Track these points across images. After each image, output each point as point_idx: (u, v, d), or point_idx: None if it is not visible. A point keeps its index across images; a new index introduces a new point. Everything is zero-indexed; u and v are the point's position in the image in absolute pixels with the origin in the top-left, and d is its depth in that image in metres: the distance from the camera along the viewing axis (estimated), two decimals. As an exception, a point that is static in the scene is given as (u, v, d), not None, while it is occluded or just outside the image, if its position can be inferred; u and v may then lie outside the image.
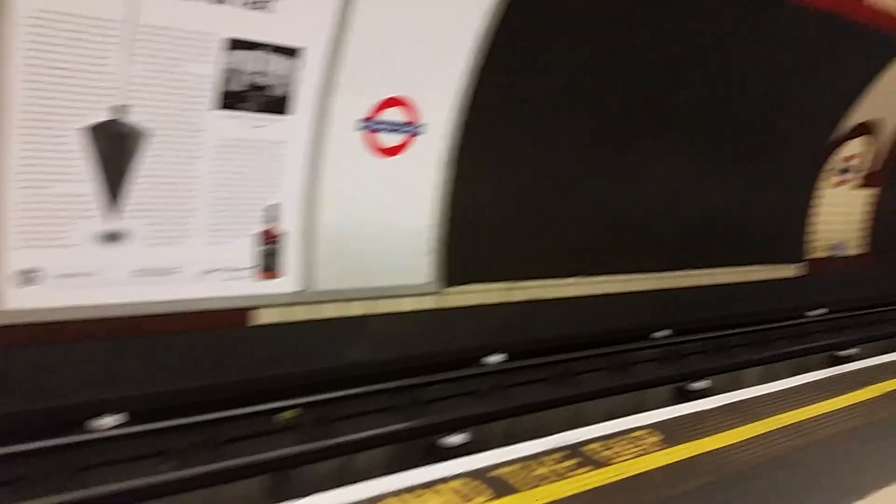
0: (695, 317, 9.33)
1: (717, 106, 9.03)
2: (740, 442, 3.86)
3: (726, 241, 10.22)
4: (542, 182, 7.82)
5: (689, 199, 9.60)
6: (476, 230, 7.39)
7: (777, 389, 4.80)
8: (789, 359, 8.52)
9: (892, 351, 9.54)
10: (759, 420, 4.21)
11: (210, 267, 5.80)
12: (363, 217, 6.61)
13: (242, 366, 6.10)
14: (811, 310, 10.60)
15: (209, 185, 5.58)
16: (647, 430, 3.95)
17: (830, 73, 9.76)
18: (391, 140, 6.48)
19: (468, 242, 7.33)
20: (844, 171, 11.33)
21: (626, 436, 3.87)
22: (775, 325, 9.43)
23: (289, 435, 5.49)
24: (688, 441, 3.84)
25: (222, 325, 6.02)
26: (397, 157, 6.57)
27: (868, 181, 11.79)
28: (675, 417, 4.19)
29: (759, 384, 7.74)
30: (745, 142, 9.84)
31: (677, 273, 9.66)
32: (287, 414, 5.76)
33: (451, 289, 7.32)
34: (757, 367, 8.12)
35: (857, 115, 10.73)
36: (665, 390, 7.19)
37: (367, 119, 6.28)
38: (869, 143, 11.36)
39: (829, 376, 5.12)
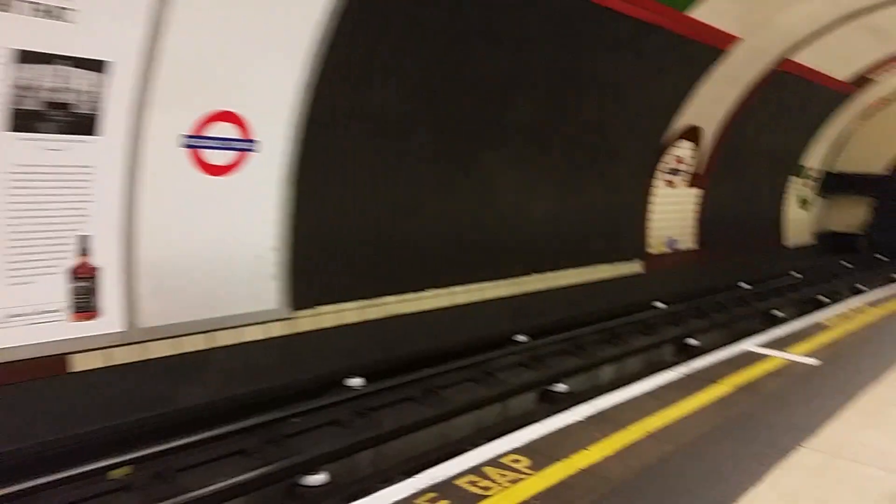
0: (550, 319, 9.48)
1: (556, 116, 9.25)
2: (612, 455, 3.76)
3: (572, 243, 10.53)
4: (388, 197, 7.54)
5: (535, 206, 9.77)
6: (324, 249, 6.95)
7: (638, 394, 4.81)
8: (643, 352, 8.85)
9: (731, 337, 10.36)
10: (625, 428, 4.16)
11: (12, 311, 4.90)
12: (195, 243, 5.94)
13: (59, 420, 5.22)
14: (655, 302, 11.18)
15: (2, 219, 4.70)
16: (518, 454, 3.74)
17: (658, 82, 10.37)
18: (222, 158, 5.87)
19: (316, 263, 6.87)
20: (674, 172, 12.12)
21: (498, 462, 3.63)
22: (624, 319, 9.80)
23: (123, 496, 4.74)
24: (559, 460, 3.68)
25: (32, 376, 5.12)
26: (231, 175, 5.97)
27: (694, 182, 12.71)
28: (543, 436, 4.02)
29: (616, 379, 8.32)
30: (582, 149, 10.19)
31: (530, 278, 9.78)
32: (118, 472, 4.98)
33: (302, 312, 6.81)
34: (613, 364, 8.34)
35: (683, 120, 11.52)
36: (530, 396, 7.15)
37: (192, 135, 5.64)
38: (694, 147, 12.25)
39: (682, 376, 5.24)
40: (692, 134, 12.00)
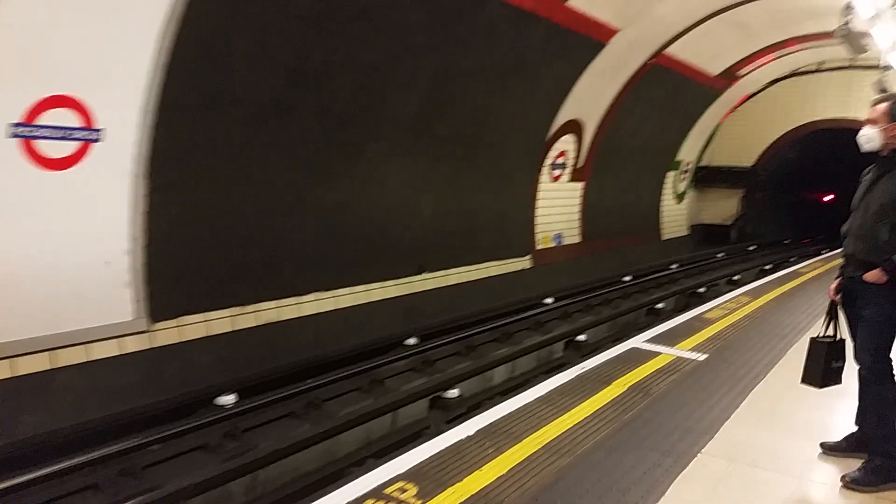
0: (441, 319, 9.16)
1: (440, 107, 8.93)
2: (507, 474, 3.43)
3: (461, 240, 10.28)
4: (263, 191, 6.92)
5: (423, 201, 9.43)
6: (187, 251, 6.24)
7: (532, 400, 4.53)
8: (534, 350, 8.70)
9: (619, 332, 10.50)
10: (520, 441, 3.85)
11: None
12: (32, 249, 5.11)
13: None
14: (543, 298, 11.15)
15: None
16: (404, 481, 3.33)
17: (543, 74, 10.29)
18: (60, 149, 5.08)
19: (179, 267, 6.16)
20: (559, 166, 12.16)
21: (382, 494, 3.20)
22: (515, 317, 9.65)
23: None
24: (450, 485, 3.30)
25: None
26: (72, 169, 5.17)
27: (577, 176, 12.84)
28: (432, 457, 3.63)
29: (509, 380, 8.11)
30: (469, 142, 9.96)
31: (419, 277, 9.42)
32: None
33: (162, 324, 6.08)
34: (505, 364, 8.11)
35: (565, 114, 11.55)
36: (422, 404, 6.77)
37: (22, 124, 4.82)
38: (576, 141, 12.34)
39: (575, 378, 5.03)
40: (574, 128, 12.08)
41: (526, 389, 4.87)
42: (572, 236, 13.14)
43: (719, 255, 17.50)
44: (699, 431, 4.02)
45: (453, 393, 6.92)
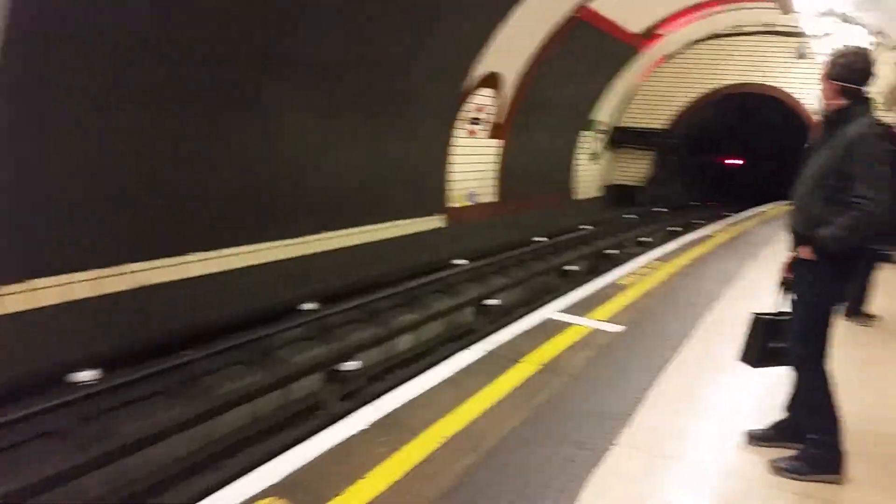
0: (344, 283, 8.52)
1: (346, 56, 8.12)
2: (401, 481, 2.91)
3: (368, 197, 9.60)
4: (136, 138, 6.00)
5: (328, 155, 8.66)
6: (40, 204, 5.29)
7: (435, 383, 4.02)
8: (442, 316, 8.23)
9: (531, 295, 10.21)
10: (418, 436, 3.33)
11: None
12: None
13: None
14: (456, 259, 10.69)
15: None
16: (275, 498, 2.74)
17: (460, 23, 9.59)
18: None
19: (28, 222, 5.20)
20: (475, 121, 11.59)
21: (245, 513, 2.61)
22: (424, 279, 9.14)
23: None
24: (329, 500, 2.75)
25: None
26: None
27: (495, 132, 12.31)
28: (313, 460, 3.06)
29: (413, 348, 7.62)
30: (379, 93, 9.21)
31: (321, 236, 8.70)
32: None
33: (8, 287, 5.15)
34: (411, 332, 7.61)
35: (484, 66, 10.93)
36: (316, 378, 6.17)
37: None
38: (495, 95, 11.78)
39: (484, 354, 4.55)
40: (494, 82, 11.51)
41: (430, 368, 4.37)
42: (489, 195, 12.69)
43: (631, 217, 17.58)
44: (615, 417, 3.63)
45: (352, 364, 6.37)
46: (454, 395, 3.84)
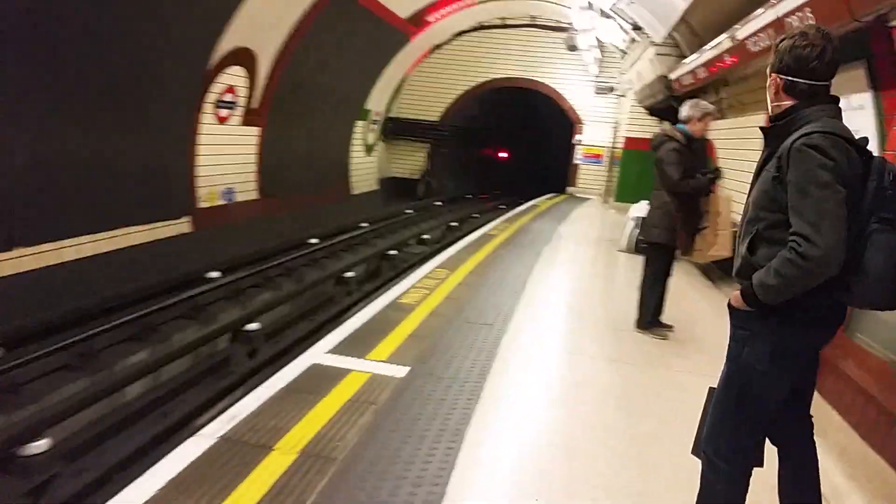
0: (42, 317, 6.36)
1: (62, 28, 6.01)
2: None
3: (81, 198, 7.43)
4: None
5: (16, 146, 6.41)
6: None
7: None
8: (183, 355, 6.46)
9: (300, 314, 8.69)
10: None
11: None
12: None
13: None
14: (209, 272, 8.86)
15: None
16: None
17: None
18: None
19: None
20: (226, 105, 9.77)
21: None
22: (164, 301, 7.26)
23: None
24: None
25: None
26: None
27: (251, 119, 10.58)
28: None
29: (130, 404, 5.57)
30: (100, 67, 7.13)
31: (15, 253, 6.45)
32: None
33: None
34: (134, 380, 5.76)
35: (232, 39, 9.17)
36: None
37: None
38: (248, 76, 10.05)
39: (219, 442, 3.07)
40: (245, 58, 9.79)
41: (127, 479, 2.80)
42: (248, 192, 10.91)
43: (409, 212, 16.80)
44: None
45: (38, 445, 4.45)
46: None
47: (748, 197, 2.19)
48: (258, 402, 3.54)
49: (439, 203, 19.15)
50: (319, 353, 4.34)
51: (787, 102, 2.12)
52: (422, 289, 6.26)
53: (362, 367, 4.12)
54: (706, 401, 2.43)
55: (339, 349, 4.42)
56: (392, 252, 11.71)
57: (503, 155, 26.95)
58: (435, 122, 19.88)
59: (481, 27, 19.08)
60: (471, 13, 16.85)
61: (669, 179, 5.04)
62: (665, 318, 5.44)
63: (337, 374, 3.98)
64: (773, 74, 2.15)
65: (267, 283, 9.09)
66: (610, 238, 10.72)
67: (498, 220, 12.35)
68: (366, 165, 17.23)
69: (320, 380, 3.90)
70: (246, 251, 9.99)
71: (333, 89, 13.54)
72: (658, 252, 5.27)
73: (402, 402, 3.67)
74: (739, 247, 2.12)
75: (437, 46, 18.85)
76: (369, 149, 17.35)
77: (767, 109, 2.22)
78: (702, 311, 6.49)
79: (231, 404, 3.59)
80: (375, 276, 10.96)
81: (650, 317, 5.40)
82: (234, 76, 9.71)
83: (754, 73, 7.19)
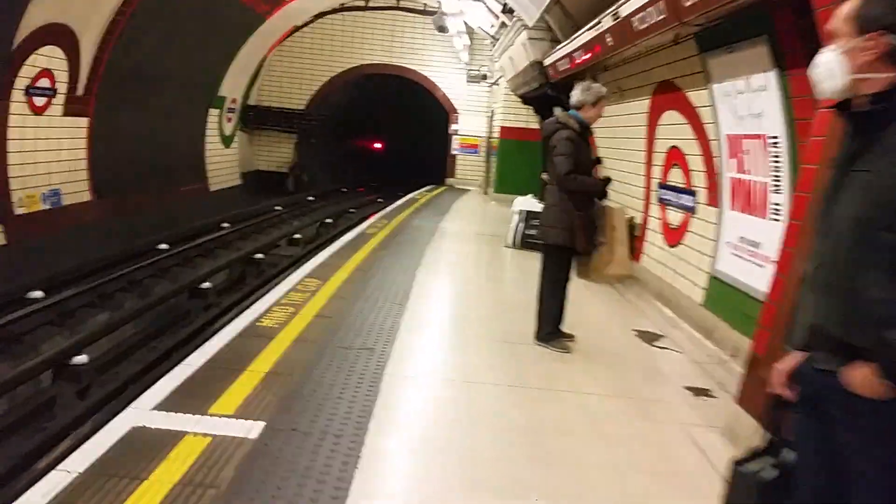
0: None
1: None
2: None
3: None
4: None
5: None
6: None
7: None
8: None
9: (144, 340, 7.32)
10: None
11: None
12: None
13: None
14: (30, 292, 7.35)
15: None
16: None
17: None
18: None
19: None
20: (41, 91, 8.17)
21: None
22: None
23: None
24: None
25: None
26: None
27: (75, 108, 8.96)
28: None
29: None
30: None
31: None
32: None
33: None
34: None
35: (37, 13, 7.61)
36: None
37: None
38: (67, 57, 8.46)
39: None
40: (62, 37, 8.25)
41: None
42: (79, 193, 9.30)
43: (278, 208, 15.50)
44: None
45: None
46: None
47: (830, 212, 1.52)
48: (46, 498, 2.49)
49: (311, 198, 17.94)
50: (144, 411, 3.30)
51: (893, 74, 1.46)
52: (287, 306, 5.28)
53: (201, 428, 3.14)
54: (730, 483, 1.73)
55: (171, 402, 3.40)
56: (258, 256, 10.52)
57: (377, 146, 26.02)
58: (301, 110, 18.61)
59: (343, 8, 18.00)
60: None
61: (558, 174, 4.42)
62: (564, 325, 4.84)
63: (165, 441, 2.99)
64: (873, 35, 1.46)
65: (103, 301, 7.69)
66: (493, 233, 10.17)
67: (375, 217, 11.48)
68: (225, 158, 15.69)
69: (141, 452, 2.89)
70: (77, 263, 8.46)
71: (179, 74, 12.01)
72: (556, 255, 4.64)
73: (253, 478, 2.75)
74: (849, 283, 1.41)
75: (298, 28, 17.57)
76: (227, 140, 15.83)
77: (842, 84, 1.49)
78: (600, 314, 5.99)
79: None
80: (241, 284, 9.74)
81: (550, 327, 4.78)
82: (51, 58, 8.12)
83: (636, 56, 6.79)
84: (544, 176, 5.21)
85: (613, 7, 5.86)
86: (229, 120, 15.73)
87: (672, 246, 6.48)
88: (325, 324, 4.89)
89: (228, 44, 13.82)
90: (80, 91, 8.87)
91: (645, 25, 5.20)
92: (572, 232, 4.47)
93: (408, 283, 6.32)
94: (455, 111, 18.83)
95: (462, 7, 13.44)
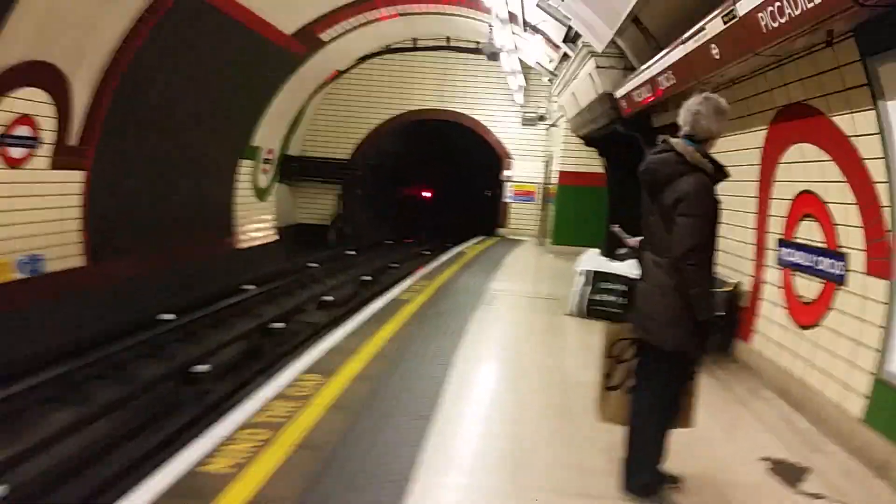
0: None
1: None
2: None
3: None
4: None
5: None
6: None
7: None
8: None
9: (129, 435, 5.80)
10: None
11: None
12: None
13: None
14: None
15: None
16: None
17: None
18: None
19: None
20: (18, 141, 7.00)
21: None
22: None
23: None
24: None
25: None
26: None
27: (65, 160, 7.76)
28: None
29: None
30: None
31: None
32: None
33: None
34: None
35: (16, 50, 6.48)
36: None
37: None
38: (54, 100, 7.31)
39: None
40: (46, 78, 7.10)
41: None
42: (67, 258, 8.04)
43: (313, 265, 14.14)
44: None
45: None
46: None
47: None
48: None
49: (352, 252, 16.59)
50: None
51: None
52: (260, 428, 3.65)
53: None
54: None
55: None
56: (277, 325, 9.04)
57: (426, 194, 24.77)
58: (345, 160, 17.50)
59: (389, 50, 16.94)
60: (377, 33, 14.65)
61: (681, 246, 2.75)
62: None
63: None
64: None
65: (70, 393, 6.26)
66: (550, 295, 8.45)
67: (417, 275, 9.90)
68: (258, 211, 14.50)
69: None
70: (46, 345, 7.07)
71: (199, 119, 10.88)
72: (667, 363, 2.92)
73: None
74: None
75: (341, 73, 16.56)
76: (262, 193, 14.67)
77: None
78: (706, 425, 4.10)
79: None
80: (255, 359, 8.24)
81: (650, 473, 3.03)
82: (31, 102, 6.96)
83: (746, 74, 5.11)
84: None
85: (723, 6, 4.19)
86: (265, 171, 14.62)
87: (804, 327, 4.70)
88: (307, 462, 3.25)
89: (263, 88, 12.76)
90: (72, 140, 7.70)
91: (782, 20, 3.49)
92: (694, 334, 2.74)
93: (440, 381, 4.63)
94: (508, 156, 17.38)
95: (517, 42, 12.06)
